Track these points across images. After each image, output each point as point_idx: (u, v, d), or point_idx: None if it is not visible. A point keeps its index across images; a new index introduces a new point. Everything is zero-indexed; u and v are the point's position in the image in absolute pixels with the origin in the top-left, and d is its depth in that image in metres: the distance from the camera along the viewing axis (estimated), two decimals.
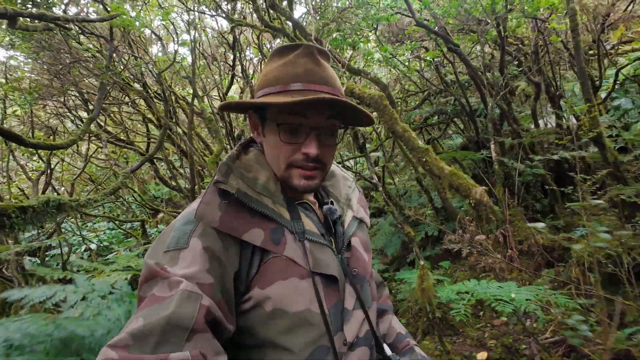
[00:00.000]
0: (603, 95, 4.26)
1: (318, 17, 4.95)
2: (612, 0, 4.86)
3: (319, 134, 0.73)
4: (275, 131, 0.73)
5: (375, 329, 0.77)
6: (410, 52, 5.45)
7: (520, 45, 5.12)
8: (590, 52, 5.28)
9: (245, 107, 0.82)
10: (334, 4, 5.40)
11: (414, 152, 3.81)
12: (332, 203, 0.83)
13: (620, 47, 5.50)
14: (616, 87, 4.58)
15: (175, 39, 5.37)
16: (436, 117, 5.54)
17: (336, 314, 0.70)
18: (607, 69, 4.78)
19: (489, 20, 4.59)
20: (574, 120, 3.92)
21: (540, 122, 4.62)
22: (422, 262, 1.79)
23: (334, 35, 5.10)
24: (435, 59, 5.14)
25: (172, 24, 5.16)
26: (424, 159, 3.75)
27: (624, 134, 3.16)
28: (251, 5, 5.14)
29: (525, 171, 3.63)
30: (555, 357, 2.12)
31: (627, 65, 4.66)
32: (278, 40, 5.69)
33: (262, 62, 6.96)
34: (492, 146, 3.95)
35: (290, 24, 4.48)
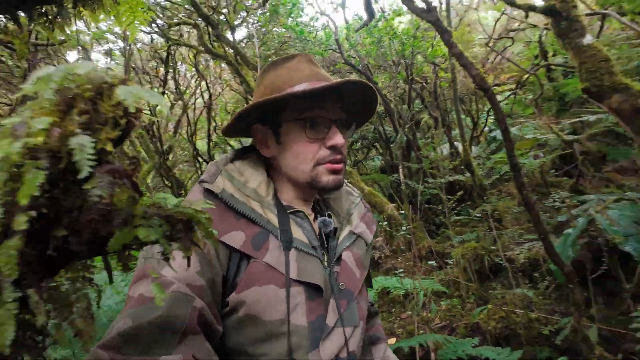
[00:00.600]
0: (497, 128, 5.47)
1: (261, 47, 5.43)
2: (486, 54, 6.22)
3: (337, 127, 0.73)
4: (297, 130, 0.72)
5: (357, 352, 0.72)
6: None
7: (424, 84, 6.24)
8: (472, 93, 6.63)
9: (250, 118, 0.76)
10: (275, 30, 5.94)
11: None
12: (329, 216, 0.80)
13: (494, 88, 6.98)
14: (492, 121, 5.90)
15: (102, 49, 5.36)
16: (360, 141, 6.40)
17: (315, 329, 0.66)
18: (487, 106, 6.13)
19: (402, 62, 5.58)
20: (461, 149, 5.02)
21: (438, 149, 5.72)
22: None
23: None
24: None
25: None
26: (349, 180, 4.49)
27: (487, 162, 4.26)
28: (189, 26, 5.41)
29: (425, 191, 4.57)
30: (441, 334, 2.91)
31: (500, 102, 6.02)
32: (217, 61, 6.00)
33: (198, 79, 7.15)
34: (401, 170, 4.85)
35: (232, 50, 4.87)
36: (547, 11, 2.64)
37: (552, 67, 4.29)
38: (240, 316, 0.63)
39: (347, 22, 5.95)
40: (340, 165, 0.74)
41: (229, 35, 4.91)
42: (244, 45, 6.07)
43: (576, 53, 2.58)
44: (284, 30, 5.59)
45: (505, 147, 2.09)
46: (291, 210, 0.75)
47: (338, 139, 0.71)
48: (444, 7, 4.83)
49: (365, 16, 3.25)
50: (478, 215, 3.71)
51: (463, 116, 6.73)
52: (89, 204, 0.26)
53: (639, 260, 1.75)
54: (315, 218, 0.79)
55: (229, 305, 0.64)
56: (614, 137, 3.27)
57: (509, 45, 4.54)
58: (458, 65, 5.33)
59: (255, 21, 5.05)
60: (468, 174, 4.08)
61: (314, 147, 0.73)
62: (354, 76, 6.89)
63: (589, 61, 2.40)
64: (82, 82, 0.28)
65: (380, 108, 6.39)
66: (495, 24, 4.64)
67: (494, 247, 3.28)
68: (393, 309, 3.28)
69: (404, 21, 5.73)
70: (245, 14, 5.18)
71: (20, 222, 0.24)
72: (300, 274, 0.67)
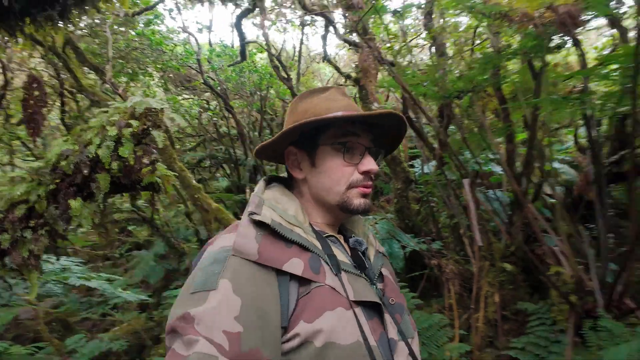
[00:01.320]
0: None
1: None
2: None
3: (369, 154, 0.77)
4: (333, 154, 0.74)
5: None
6: (197, 105, 6.37)
7: (274, 116, 7.07)
8: None
9: (284, 143, 0.78)
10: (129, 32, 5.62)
11: (188, 189, 4.63)
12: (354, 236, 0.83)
13: None
14: None
15: None
16: (208, 160, 6.61)
17: (384, 346, 0.67)
18: None
19: (257, 93, 6.23)
20: None
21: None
22: None
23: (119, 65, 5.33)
24: (214, 115, 6.29)
25: None
26: (196, 196, 4.64)
27: None
28: None
29: None
30: None
31: None
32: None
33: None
34: (247, 190, 5.36)
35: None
36: (355, 81, 3.71)
37: None
38: (318, 347, 0.60)
39: (211, 44, 6.25)
40: (369, 190, 0.77)
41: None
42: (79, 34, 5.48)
43: None
44: (133, 33, 5.38)
45: None
46: (325, 235, 0.76)
47: (372, 165, 0.75)
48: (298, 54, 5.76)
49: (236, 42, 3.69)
50: None
51: None
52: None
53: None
54: (345, 241, 0.81)
55: (300, 337, 0.60)
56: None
57: None
58: None
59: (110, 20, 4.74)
60: None
61: (349, 171, 0.75)
62: (207, 95, 7.14)
63: None
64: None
65: (233, 131, 6.83)
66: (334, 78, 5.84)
67: None
68: None
69: (264, 57, 6.42)
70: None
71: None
72: (355, 295, 0.67)
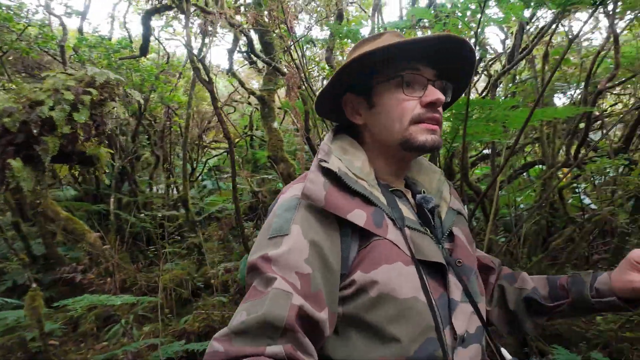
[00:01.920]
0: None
1: None
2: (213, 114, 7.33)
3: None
4: (392, 89, 0.70)
5: (483, 325, 0.70)
6: None
7: (153, 122, 6.38)
8: (195, 142, 7.45)
9: (340, 90, 0.75)
10: None
11: (24, 194, 3.68)
12: (423, 192, 0.79)
13: (213, 143, 8.12)
14: (207, 171, 6.83)
15: None
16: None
17: (443, 305, 0.65)
18: (204, 157, 7.04)
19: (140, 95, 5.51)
20: (176, 190, 5.45)
21: (154, 187, 5.86)
22: (34, 285, 2.01)
23: None
24: None
25: None
26: (38, 201, 3.73)
27: (200, 203, 4.97)
28: None
29: (136, 224, 4.54)
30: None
31: (213, 158, 7.11)
32: None
33: None
34: (112, 200, 4.59)
35: None
36: (259, 98, 3.81)
37: (255, 137, 5.79)
38: (372, 296, 0.61)
39: (81, 32, 5.31)
40: (437, 127, 0.71)
41: None
42: None
43: (268, 131, 3.85)
44: None
45: (232, 192, 2.81)
46: (391, 189, 0.74)
47: (438, 95, 0.69)
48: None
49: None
50: (186, 247, 4.16)
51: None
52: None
53: None
54: (412, 196, 0.77)
55: (356, 285, 0.62)
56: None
57: (231, 113, 5.73)
58: (193, 116, 5.96)
59: None
60: (183, 210, 4.54)
61: (411, 105, 0.70)
62: None
63: (274, 139, 3.68)
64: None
65: None
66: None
67: (195, 275, 3.79)
68: (83, 344, 2.96)
69: (151, 58, 5.85)
70: None
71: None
72: (417, 252, 0.66)
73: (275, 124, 3.82)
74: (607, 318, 2.52)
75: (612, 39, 2.71)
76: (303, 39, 2.42)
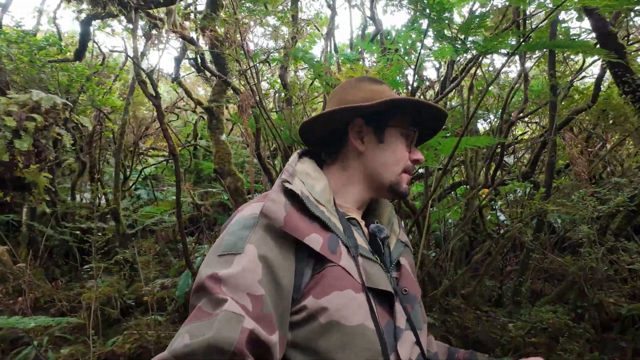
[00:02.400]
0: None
1: None
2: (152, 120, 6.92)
3: None
4: (399, 137, 0.80)
5: (426, 353, 0.73)
6: None
7: (80, 126, 5.80)
8: (130, 149, 6.95)
9: (345, 117, 0.79)
10: None
11: None
12: (377, 223, 0.83)
13: (151, 151, 7.65)
14: (142, 180, 6.37)
15: None
16: None
17: (389, 333, 0.67)
18: (139, 165, 6.57)
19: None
20: (104, 200, 5.01)
21: (78, 196, 5.31)
22: None
23: None
24: None
25: None
26: None
27: (133, 215, 4.61)
28: None
29: (54, 236, 4.06)
30: None
31: (149, 166, 6.67)
32: None
33: None
34: (24, 209, 4.07)
35: None
36: (207, 109, 3.73)
37: (199, 147, 5.59)
38: (322, 323, 0.61)
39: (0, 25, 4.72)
40: (410, 178, 0.83)
41: None
42: None
43: (216, 143, 3.77)
44: None
45: (176, 206, 2.68)
46: (347, 217, 0.76)
47: (420, 155, 0.82)
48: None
49: None
50: (115, 262, 3.83)
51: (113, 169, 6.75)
52: None
53: None
54: (366, 226, 0.81)
55: (306, 311, 0.62)
56: (223, 207, 4.76)
57: (173, 120, 5.47)
58: (129, 121, 5.55)
59: None
60: (112, 223, 4.18)
61: (406, 156, 0.80)
62: None
63: (221, 151, 3.61)
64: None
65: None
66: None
67: (125, 291, 3.50)
68: None
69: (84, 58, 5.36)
70: None
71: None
72: (368, 280, 0.67)
73: (224, 136, 3.75)
74: (516, 325, 2.88)
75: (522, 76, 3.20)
76: (258, 62, 2.46)
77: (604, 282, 2.87)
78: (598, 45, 2.52)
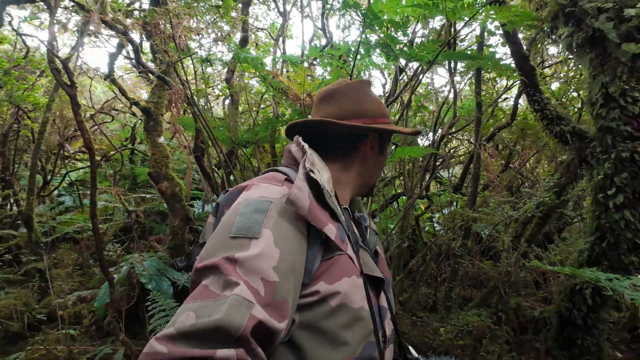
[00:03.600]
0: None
1: None
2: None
3: None
4: (386, 150, 0.93)
5: (397, 330, 0.84)
6: None
7: None
8: (54, 151, 6.29)
9: (381, 131, 0.87)
10: None
11: None
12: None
13: (79, 154, 6.99)
14: (66, 185, 5.76)
15: None
16: None
17: (377, 313, 0.75)
18: (64, 169, 5.95)
19: None
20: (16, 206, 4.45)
21: None
22: None
23: None
24: None
25: None
26: None
27: (50, 222, 4.14)
28: None
29: None
30: None
31: (75, 170, 6.07)
32: None
33: None
34: None
35: None
36: (144, 110, 3.50)
37: (136, 151, 5.23)
38: (333, 306, 0.66)
39: None
40: None
41: None
42: None
43: (152, 146, 3.55)
44: None
45: (90, 209, 2.45)
46: (342, 207, 0.80)
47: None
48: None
49: None
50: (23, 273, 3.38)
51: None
52: None
53: (154, 293, 2.57)
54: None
55: (319, 295, 0.65)
56: (162, 216, 4.46)
57: (110, 121, 5.05)
58: (55, 121, 5.03)
59: None
60: (24, 230, 3.71)
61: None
62: None
63: (158, 154, 3.40)
64: None
65: None
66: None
67: (37, 305, 3.11)
68: None
69: (4, 50, 4.87)
70: None
71: None
72: (365, 268, 0.75)
73: (162, 139, 3.54)
74: (447, 329, 3.03)
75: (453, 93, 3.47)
76: (194, 57, 2.38)
77: (520, 287, 3.14)
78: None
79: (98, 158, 5.38)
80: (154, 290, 2.66)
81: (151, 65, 3.15)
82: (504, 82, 4.92)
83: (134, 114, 5.45)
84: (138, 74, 4.27)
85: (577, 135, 2.78)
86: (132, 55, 3.66)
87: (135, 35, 3.42)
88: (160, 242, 4.02)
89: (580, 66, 2.50)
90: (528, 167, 4.55)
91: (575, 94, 4.26)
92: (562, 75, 4.94)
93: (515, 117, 3.69)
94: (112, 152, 4.74)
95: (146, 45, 3.46)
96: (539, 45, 3.92)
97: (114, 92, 4.07)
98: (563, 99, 4.36)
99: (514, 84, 4.01)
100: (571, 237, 3.93)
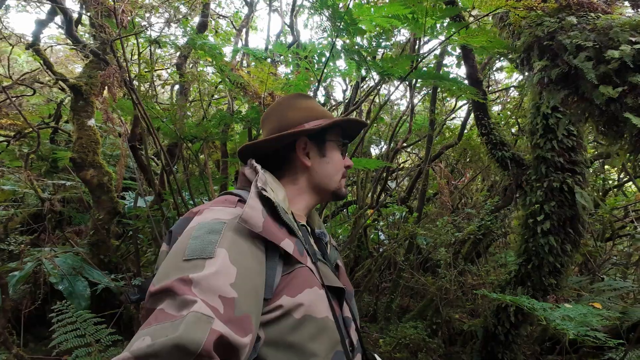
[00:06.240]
0: None
1: None
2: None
3: None
4: (335, 149, 0.91)
5: (361, 339, 0.85)
6: None
7: None
8: None
9: (308, 132, 0.87)
10: None
11: None
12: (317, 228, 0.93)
13: None
14: None
15: None
16: None
17: (342, 323, 0.77)
18: None
19: None
20: None
21: None
22: None
23: None
24: None
25: None
26: None
27: None
28: None
29: None
30: None
31: None
32: None
33: None
34: None
35: None
36: (72, 87, 3.04)
37: (61, 130, 4.58)
38: (297, 318, 0.67)
39: None
40: None
41: None
42: None
43: (79, 128, 3.11)
44: None
45: None
46: (300, 224, 0.82)
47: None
48: None
49: None
50: None
51: None
52: None
53: (66, 295, 2.21)
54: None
55: (282, 309, 0.66)
56: (85, 205, 3.94)
57: (30, 95, 4.32)
58: None
59: None
60: None
61: (342, 164, 0.93)
62: None
63: (85, 138, 2.98)
64: None
65: None
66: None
67: None
68: None
69: None
70: None
71: None
72: (326, 280, 0.76)
73: (92, 122, 3.11)
74: (386, 340, 3.07)
75: (409, 108, 3.54)
76: (140, 36, 2.10)
77: (454, 301, 3.30)
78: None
79: (9, 133, 4.62)
80: (65, 292, 2.29)
81: (90, 40, 2.74)
82: (453, 101, 5.20)
83: (62, 90, 4.76)
84: (71, 48, 3.71)
85: (515, 161, 2.98)
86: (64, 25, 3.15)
87: (76, 5, 2.95)
88: (80, 235, 3.55)
89: (532, 100, 2.67)
90: (465, 183, 4.84)
91: (513, 120, 4.62)
92: (499, 101, 5.37)
93: (462, 137, 3.88)
94: (27, 130, 4.08)
95: (86, 18, 3.00)
96: (487, 70, 4.17)
97: (40, 64, 3.47)
98: (502, 124, 4.71)
99: (465, 104, 4.23)
100: (496, 253, 4.27)
